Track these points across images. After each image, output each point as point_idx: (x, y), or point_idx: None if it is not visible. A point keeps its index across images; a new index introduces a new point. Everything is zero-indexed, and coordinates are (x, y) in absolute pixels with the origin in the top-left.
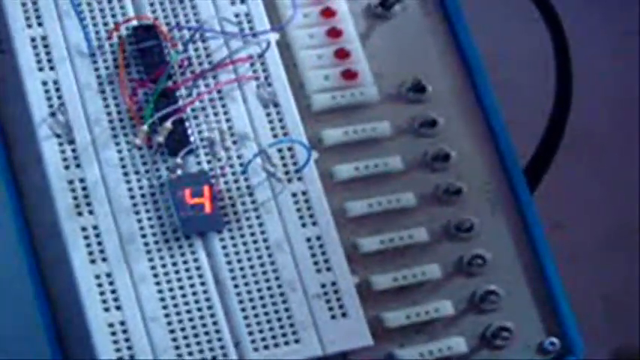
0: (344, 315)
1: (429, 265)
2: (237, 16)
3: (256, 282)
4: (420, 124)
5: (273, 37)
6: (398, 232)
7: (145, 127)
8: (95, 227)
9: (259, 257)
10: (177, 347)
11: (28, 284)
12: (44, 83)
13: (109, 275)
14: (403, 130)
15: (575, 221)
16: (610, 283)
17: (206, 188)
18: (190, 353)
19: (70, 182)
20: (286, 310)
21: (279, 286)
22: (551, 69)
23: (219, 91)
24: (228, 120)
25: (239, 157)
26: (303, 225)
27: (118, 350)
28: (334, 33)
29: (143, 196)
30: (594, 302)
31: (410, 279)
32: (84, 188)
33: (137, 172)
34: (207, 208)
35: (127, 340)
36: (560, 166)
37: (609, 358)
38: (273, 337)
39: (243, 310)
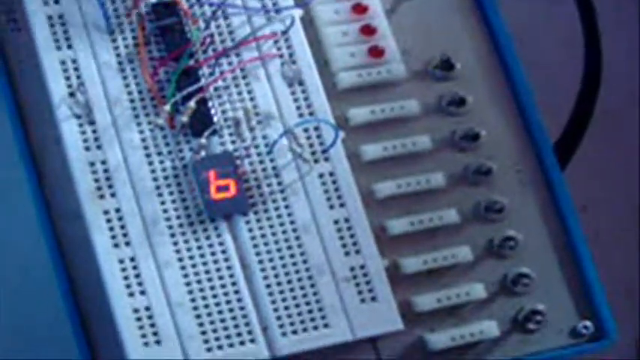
0: (373, 299)
1: (460, 247)
2: None
3: (284, 266)
4: (448, 103)
5: (297, 13)
6: (427, 213)
7: (167, 107)
8: (118, 210)
9: (286, 240)
10: (203, 333)
11: (50, 270)
12: (62, 62)
13: (132, 259)
14: (431, 109)
15: (598, 204)
16: (633, 268)
17: (231, 170)
18: (217, 339)
19: (91, 164)
20: (314, 294)
21: (307, 270)
22: (580, 49)
23: (242, 70)
24: (252, 99)
25: (264, 137)
26: (331, 207)
27: (143, 336)
28: (360, 9)
29: (166, 178)
30: (617, 287)
31: (440, 262)
32: (105, 170)
33: (160, 154)
34: (233, 190)
35: (152, 325)
36: (583, 146)
37: (634, 343)
38: (302, 321)
39: (270, 294)
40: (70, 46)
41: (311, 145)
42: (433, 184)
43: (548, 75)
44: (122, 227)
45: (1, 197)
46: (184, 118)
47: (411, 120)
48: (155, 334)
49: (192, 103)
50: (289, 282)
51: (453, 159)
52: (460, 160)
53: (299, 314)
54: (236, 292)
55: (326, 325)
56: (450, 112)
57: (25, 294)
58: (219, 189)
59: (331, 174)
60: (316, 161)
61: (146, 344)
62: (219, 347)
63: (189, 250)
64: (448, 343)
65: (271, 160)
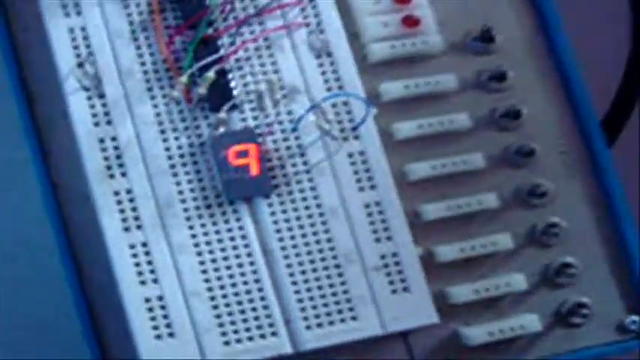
0: (406, 289)
1: (499, 234)
2: None
3: (308, 252)
4: (488, 78)
5: None
6: (465, 197)
7: (184, 79)
8: (129, 191)
9: (312, 225)
10: (220, 325)
11: (55, 255)
12: (71, 30)
13: (144, 245)
14: (469, 84)
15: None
16: None
17: (252, 147)
18: (236, 331)
19: (101, 141)
20: (342, 284)
21: (334, 258)
22: (627, 24)
23: (265, 39)
24: (276, 71)
25: (289, 112)
26: (361, 189)
27: (155, 328)
28: None
29: (182, 156)
30: None
31: (478, 250)
32: (116, 147)
33: (175, 130)
34: (254, 170)
35: (165, 316)
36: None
37: None
38: (328, 314)
39: (294, 283)
40: (79, 13)
41: (339, 122)
42: (471, 166)
43: (592, 50)
44: (133, 209)
45: (4, 178)
46: (202, 91)
47: (447, 96)
48: (168, 325)
49: (211, 73)
50: (314, 270)
51: (492, 139)
52: (500, 140)
53: (325, 306)
54: (256, 280)
55: (354, 318)
56: (489, 87)
57: (28, 282)
58: (239, 168)
59: (361, 153)
60: (345, 139)
61: (158, 337)
62: (238, 341)
63: (205, 234)
64: (485, 338)
65: (296, 138)
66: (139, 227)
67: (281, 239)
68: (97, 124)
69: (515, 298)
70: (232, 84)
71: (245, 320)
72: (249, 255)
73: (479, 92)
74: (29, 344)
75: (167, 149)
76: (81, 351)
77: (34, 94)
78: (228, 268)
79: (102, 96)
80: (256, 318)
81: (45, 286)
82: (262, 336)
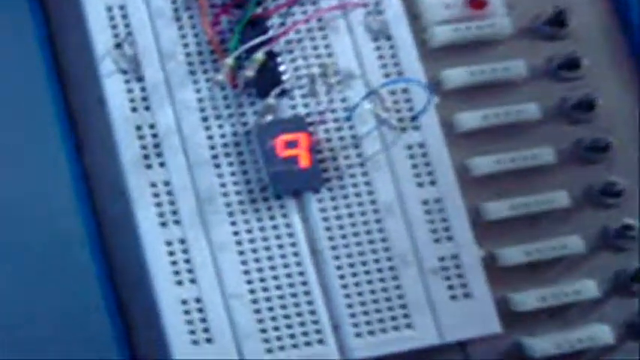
0: (467, 295)
1: (569, 236)
2: None
3: (361, 253)
4: (560, 65)
5: None
6: (532, 195)
7: (230, 61)
8: (167, 183)
9: (365, 223)
10: (263, 330)
11: (87, 251)
12: (109, 9)
13: (182, 241)
14: (539, 72)
15: None
16: None
17: (302, 137)
18: (279, 338)
19: (138, 128)
20: (396, 288)
21: (389, 259)
22: None
23: (319, 20)
24: (329, 55)
25: (343, 99)
26: (419, 184)
27: (192, 332)
28: None
29: (225, 145)
30: None
31: (545, 253)
32: (154, 135)
33: (218, 117)
34: (304, 162)
35: (202, 320)
36: None
37: None
38: (380, 320)
39: (344, 287)
40: None
41: (398, 111)
42: (540, 161)
43: None
44: (171, 203)
45: (35, 168)
46: (249, 74)
47: (515, 85)
48: (206, 330)
49: (259, 55)
50: (367, 273)
51: (563, 131)
52: (572, 134)
53: (377, 312)
54: (303, 283)
55: (409, 326)
56: (561, 76)
57: (57, 278)
58: (287, 160)
59: (421, 145)
60: (404, 130)
61: (195, 342)
62: (281, 348)
63: (249, 232)
64: (551, 350)
65: (350, 127)
66: (176, 222)
67: (331, 238)
68: (134, 110)
69: (585, 306)
70: (282, 68)
71: (290, 326)
72: (295, 255)
73: (549, 80)
74: (55, 342)
75: (209, 138)
76: (110, 351)
77: (67, 78)
78: (273, 268)
79: (140, 80)
80: (302, 324)
81: (75, 283)
82: (308, 343)
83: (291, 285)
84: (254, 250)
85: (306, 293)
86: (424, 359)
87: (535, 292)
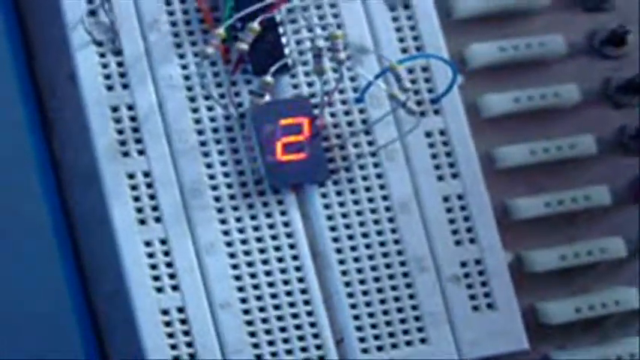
0: (490, 306)
1: (610, 238)
2: None
3: (370, 257)
4: (602, 41)
5: None
6: (569, 191)
7: (221, 31)
8: (147, 174)
9: (376, 222)
10: (255, 345)
11: (54, 250)
12: None
13: (163, 242)
14: (579, 49)
15: None
16: None
17: (305, 122)
18: (274, 354)
19: (114, 109)
20: (410, 297)
21: (402, 264)
22: None
23: None
24: (339, 26)
25: (353, 78)
26: (440, 178)
27: (173, 347)
28: None
29: (215, 131)
30: None
31: (583, 258)
32: (133, 118)
33: (208, 97)
34: (306, 151)
35: (186, 333)
36: None
37: None
38: (391, 334)
39: (350, 295)
40: None
41: (416, 92)
42: (578, 151)
43: None
44: (152, 197)
45: None
46: (244, 47)
47: (551, 63)
48: (189, 345)
49: (255, 24)
50: (377, 280)
51: (605, 117)
52: (615, 119)
53: (387, 324)
54: (303, 290)
55: (423, 341)
56: (603, 53)
57: (20, 281)
58: (287, 148)
59: (442, 132)
60: (423, 114)
61: (177, 358)
62: None
63: (241, 231)
64: None
65: (361, 111)
66: (157, 220)
67: (336, 239)
68: (110, 89)
69: (624, 318)
70: (283, 40)
71: (286, 340)
72: (294, 258)
73: (590, 59)
74: (21, 353)
75: (197, 122)
76: None
77: (34, 49)
78: (268, 274)
79: (118, 53)
80: (301, 337)
81: (39, 288)
82: None
83: (288, 293)
84: (247, 253)
85: (306, 302)
86: None
87: (568, 302)
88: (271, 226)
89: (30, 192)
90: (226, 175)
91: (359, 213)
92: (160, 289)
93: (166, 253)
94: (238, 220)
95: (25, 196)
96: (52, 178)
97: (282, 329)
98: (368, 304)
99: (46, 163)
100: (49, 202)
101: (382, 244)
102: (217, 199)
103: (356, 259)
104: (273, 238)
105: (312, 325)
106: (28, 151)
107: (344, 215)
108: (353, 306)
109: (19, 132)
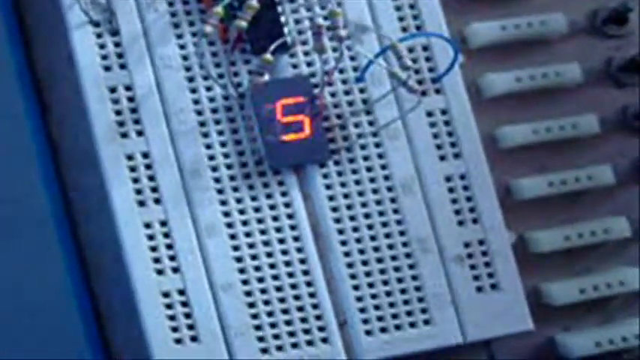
0: (494, 287)
1: (614, 218)
2: None
3: (372, 237)
4: (604, 20)
5: None
6: (572, 170)
7: (219, 9)
8: (145, 155)
9: (378, 202)
10: (257, 327)
11: (53, 232)
12: None
13: (163, 223)
14: (581, 28)
15: None
16: None
17: (305, 101)
18: (277, 337)
19: (112, 90)
20: (414, 278)
21: (405, 245)
22: None
23: None
24: (339, 4)
25: (353, 57)
26: (442, 158)
27: (174, 329)
28: None
29: (214, 111)
30: None
31: (586, 238)
32: (130, 99)
33: (207, 77)
34: (307, 130)
35: (187, 315)
36: None
37: None
38: (394, 315)
39: (352, 276)
40: None
41: (417, 72)
42: (581, 131)
43: None
44: (151, 178)
45: None
46: (242, 25)
47: (553, 42)
48: (191, 327)
49: (253, 2)
50: (379, 260)
51: (608, 96)
52: (618, 99)
53: (391, 305)
54: (305, 272)
55: (427, 322)
56: (605, 32)
57: (18, 264)
58: (287, 128)
59: (444, 112)
60: (424, 94)
61: (178, 341)
62: (280, 348)
63: (242, 212)
64: (590, 349)
65: (362, 91)
66: (157, 201)
67: (338, 220)
68: (107, 69)
69: (629, 299)
70: (282, 18)
71: (289, 322)
72: (296, 239)
73: (593, 38)
74: (21, 341)
75: (196, 102)
76: (81, 349)
77: (32, 33)
78: (270, 255)
79: (115, 33)
80: (303, 320)
81: (39, 273)
82: (310, 342)
83: (290, 274)
84: (247, 234)
85: (309, 284)
86: (442, 358)
87: (572, 283)
88: (272, 207)
89: (29, 177)
90: (226, 155)
91: (361, 193)
92: (160, 272)
93: (166, 235)
94: (239, 201)
95: (24, 182)
96: (50, 163)
97: (285, 311)
98: (371, 286)
99: (45, 147)
100: (48, 187)
101: (384, 224)
102: (217, 180)
103: (358, 240)
104: (275, 219)
105: (315, 306)
106: (27, 136)
107: (345, 196)
108: (356, 287)
109: (17, 117)
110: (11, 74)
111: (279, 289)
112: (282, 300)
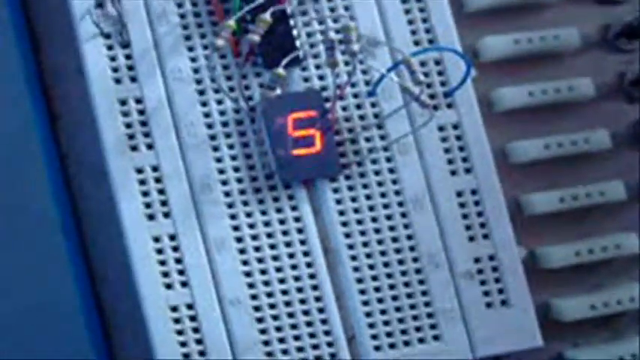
0: (504, 303)
1: (625, 234)
2: None
3: (382, 253)
4: (617, 34)
5: None
6: (584, 186)
7: (231, 22)
8: (155, 169)
9: (388, 217)
10: (266, 343)
11: (62, 244)
12: None
13: (172, 237)
14: (593, 42)
15: None
16: None
17: (317, 115)
18: (285, 351)
19: (123, 102)
20: (423, 293)
21: (415, 260)
22: None
23: None
24: (351, 18)
25: (365, 71)
26: (453, 172)
27: (183, 344)
28: None
29: (225, 124)
30: None
31: (597, 254)
32: (141, 112)
33: (218, 90)
34: (318, 145)
35: (195, 330)
36: None
37: None
38: (403, 331)
39: (362, 292)
40: None
41: (429, 86)
42: (593, 146)
43: None
44: (161, 192)
45: (2, 148)
46: (254, 39)
47: (565, 56)
48: (199, 342)
49: (266, 16)
50: (389, 276)
51: (620, 111)
52: (630, 114)
53: (400, 321)
54: (314, 287)
55: (436, 338)
56: (618, 46)
57: (26, 277)
58: (298, 142)
59: (455, 127)
60: (436, 108)
61: (186, 356)
62: None
63: (252, 226)
64: None
65: (373, 105)
66: (166, 215)
67: (348, 235)
68: (118, 81)
69: (638, 315)
70: (294, 32)
71: (297, 337)
72: (306, 254)
73: (605, 52)
74: (29, 350)
75: (206, 115)
76: None
77: (40, 42)
78: (279, 270)
79: (126, 45)
80: (312, 335)
81: (47, 285)
82: (318, 358)
83: (299, 289)
84: (257, 249)
85: (318, 299)
86: None
87: (583, 299)
88: (282, 222)
89: (38, 187)
90: (236, 169)
91: (371, 208)
92: (169, 286)
93: (175, 249)
94: (249, 215)
95: (33, 192)
96: (59, 173)
97: (293, 326)
98: (380, 301)
99: (54, 157)
100: (57, 198)
101: (395, 239)
102: (227, 194)
103: (368, 255)
104: (284, 233)
105: (324, 322)
106: (36, 145)
107: (356, 210)
108: (365, 303)
109: (27, 126)
110: (21, 83)
111: (288, 304)
112: (290, 315)
